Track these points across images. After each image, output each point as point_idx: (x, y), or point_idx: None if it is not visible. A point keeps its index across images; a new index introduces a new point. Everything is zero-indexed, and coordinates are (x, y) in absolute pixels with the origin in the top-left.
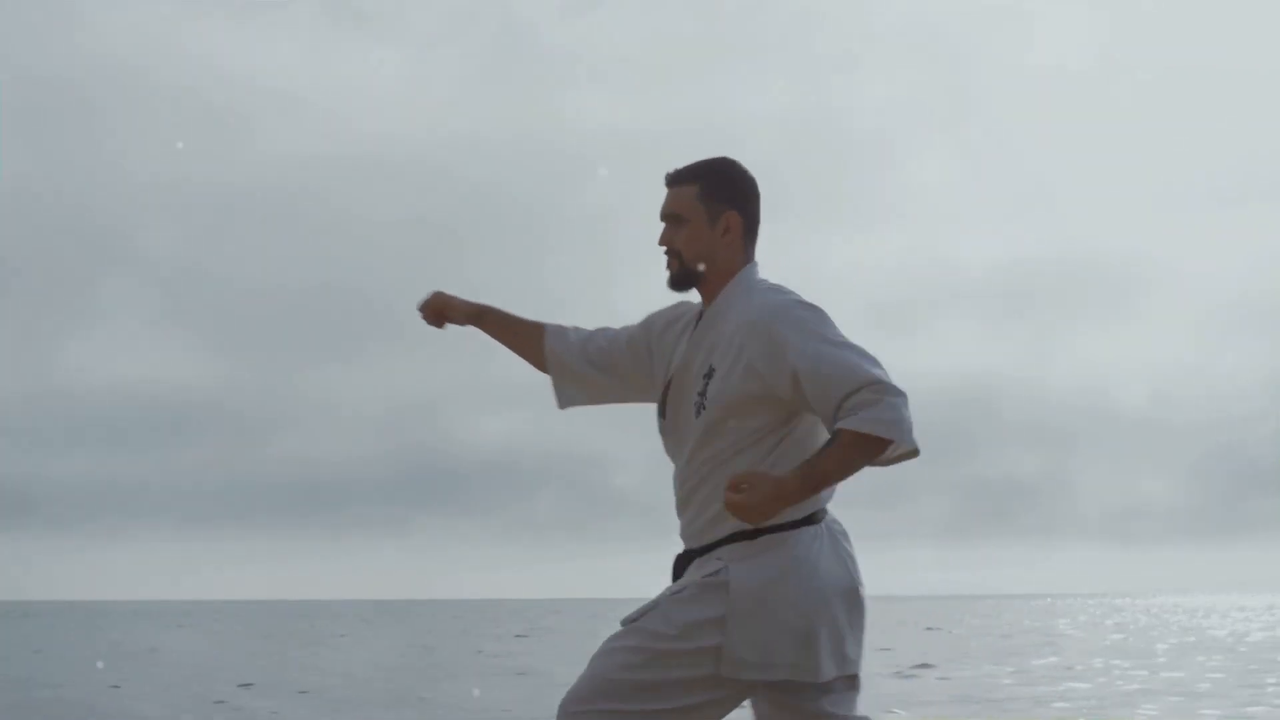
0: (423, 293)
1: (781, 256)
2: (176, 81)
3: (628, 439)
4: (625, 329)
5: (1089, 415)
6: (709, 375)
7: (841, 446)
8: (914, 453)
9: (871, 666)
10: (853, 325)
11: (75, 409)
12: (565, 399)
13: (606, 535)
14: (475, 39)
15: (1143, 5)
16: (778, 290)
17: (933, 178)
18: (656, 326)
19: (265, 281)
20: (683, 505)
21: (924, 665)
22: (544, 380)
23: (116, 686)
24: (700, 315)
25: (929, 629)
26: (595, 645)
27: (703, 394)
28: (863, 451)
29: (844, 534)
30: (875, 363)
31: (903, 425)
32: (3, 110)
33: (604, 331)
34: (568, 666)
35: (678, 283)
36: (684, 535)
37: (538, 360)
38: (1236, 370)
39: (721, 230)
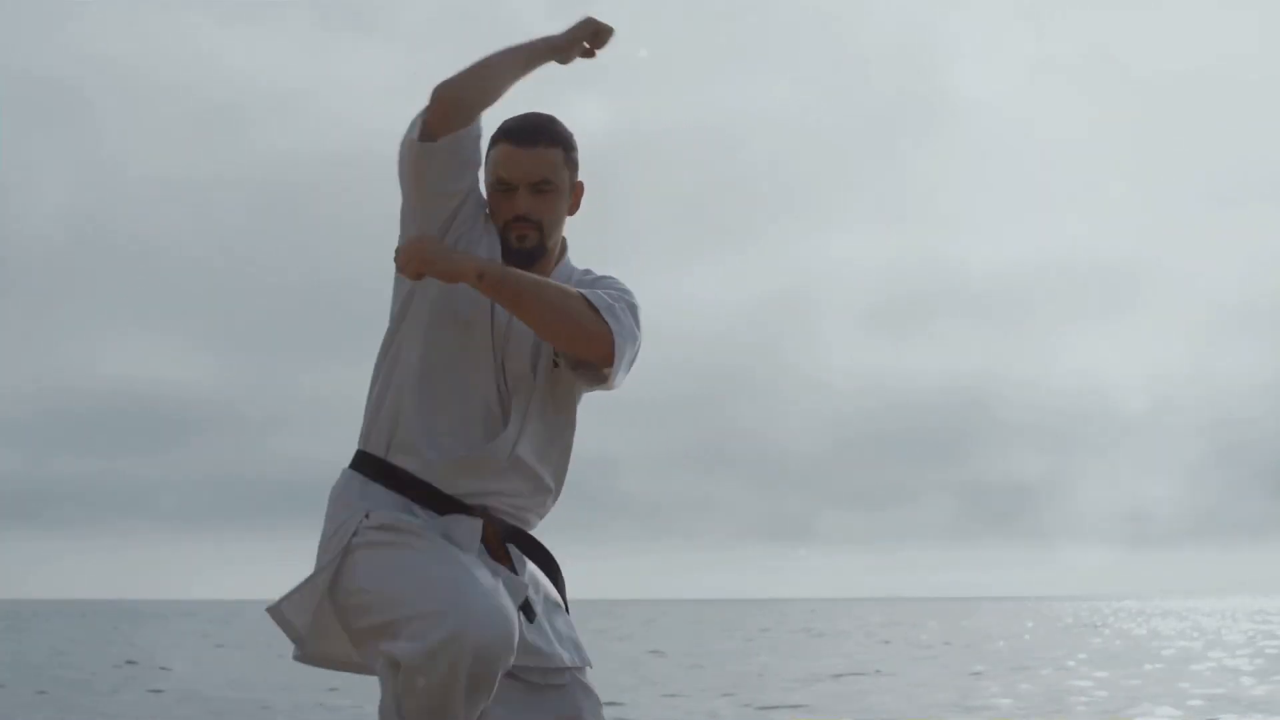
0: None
1: (782, 256)
2: (173, 79)
3: (630, 440)
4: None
5: (1089, 417)
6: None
7: (569, 290)
8: (606, 366)
9: (818, 668)
10: (853, 325)
11: (75, 409)
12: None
13: (607, 536)
14: (467, 37)
15: (1142, 7)
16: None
17: (933, 178)
18: (479, 214)
19: (265, 280)
20: (512, 470)
21: (863, 673)
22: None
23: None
24: None
25: (902, 632)
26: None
27: (557, 365)
28: (575, 314)
29: None
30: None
31: (624, 345)
32: (1, 108)
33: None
34: None
35: (528, 258)
36: (491, 502)
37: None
38: (1237, 372)
39: (572, 204)
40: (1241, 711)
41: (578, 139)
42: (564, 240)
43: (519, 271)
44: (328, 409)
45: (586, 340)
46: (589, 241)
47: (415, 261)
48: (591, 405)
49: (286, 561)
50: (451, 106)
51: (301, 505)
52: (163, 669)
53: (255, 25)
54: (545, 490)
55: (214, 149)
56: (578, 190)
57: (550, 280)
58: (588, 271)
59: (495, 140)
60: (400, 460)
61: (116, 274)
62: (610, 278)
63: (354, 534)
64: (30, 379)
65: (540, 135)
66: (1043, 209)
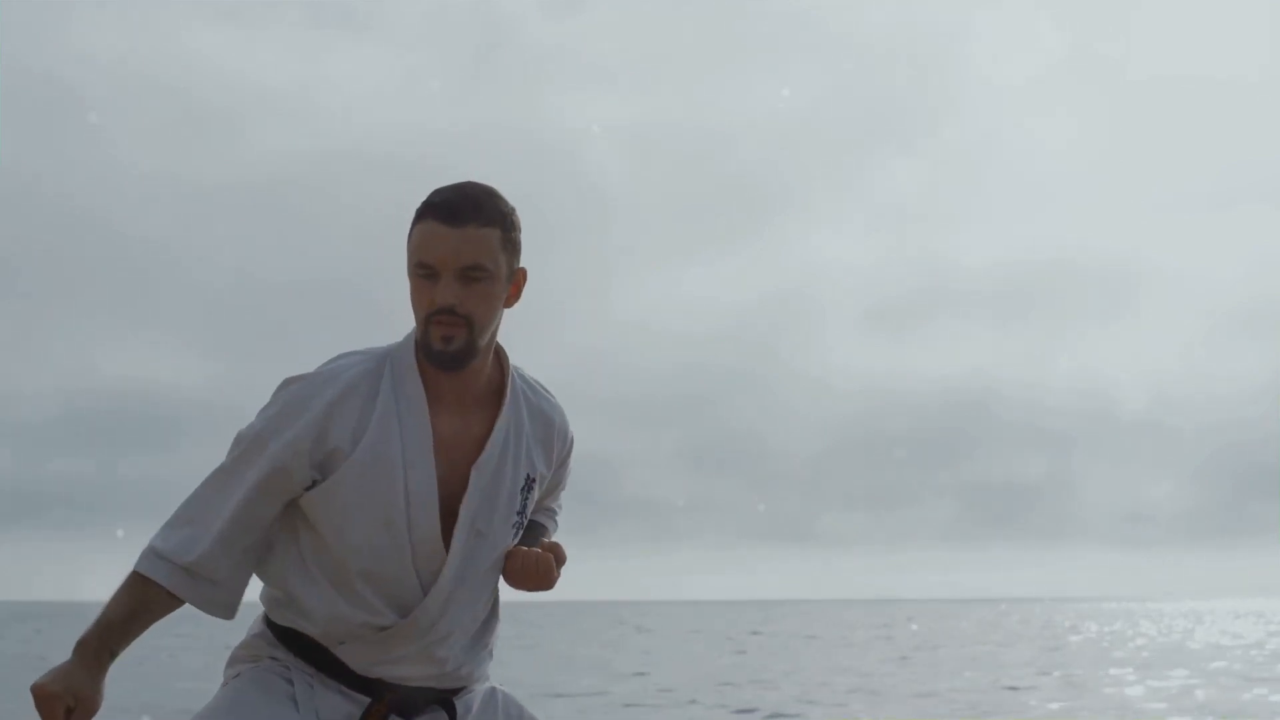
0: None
1: (781, 256)
2: (170, 80)
3: (630, 440)
4: (253, 487)
5: (1090, 418)
6: (530, 485)
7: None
8: None
9: (776, 669)
10: (852, 325)
11: (74, 409)
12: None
13: (607, 538)
14: (459, 38)
15: (1139, 10)
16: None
17: (932, 178)
18: (305, 436)
19: (264, 279)
20: (445, 637)
21: (816, 674)
22: (549, 377)
23: None
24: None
25: (878, 630)
26: (546, 652)
27: (523, 511)
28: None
29: None
30: None
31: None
32: (1, 107)
33: (234, 523)
34: None
35: (453, 362)
36: (425, 675)
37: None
38: (1237, 373)
39: (510, 294)
40: (1181, 714)
41: (575, 141)
42: (503, 350)
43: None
44: None
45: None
46: (589, 243)
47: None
48: (592, 406)
49: None
50: None
51: None
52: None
53: (249, 26)
54: (474, 643)
55: (211, 149)
56: (518, 278)
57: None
58: (540, 383)
59: (419, 216)
60: (310, 633)
61: (115, 274)
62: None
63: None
64: (29, 379)
65: (473, 212)
66: (1042, 209)
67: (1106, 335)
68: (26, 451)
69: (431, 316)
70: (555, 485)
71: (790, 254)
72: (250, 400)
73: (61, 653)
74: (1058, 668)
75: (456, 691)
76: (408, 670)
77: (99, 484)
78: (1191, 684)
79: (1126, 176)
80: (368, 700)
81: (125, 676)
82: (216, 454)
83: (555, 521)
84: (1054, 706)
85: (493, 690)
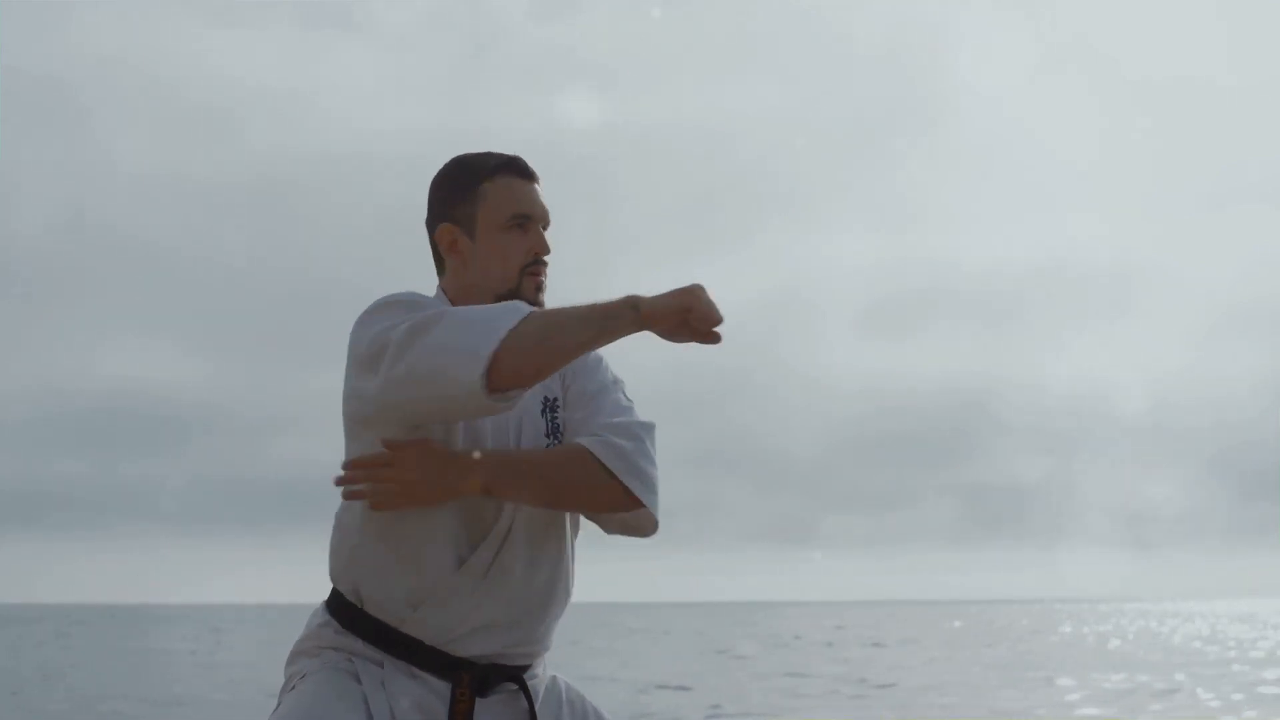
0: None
1: (780, 257)
2: (167, 80)
3: None
4: None
5: (1090, 419)
6: (552, 406)
7: (568, 451)
8: (653, 524)
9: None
10: (851, 327)
11: (74, 411)
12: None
13: (607, 540)
14: (455, 38)
15: (1139, 10)
16: None
17: (930, 179)
18: None
19: (261, 280)
20: (506, 576)
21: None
22: None
23: None
24: None
25: (836, 633)
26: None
27: (553, 433)
28: (582, 473)
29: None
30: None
31: (649, 488)
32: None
33: None
34: None
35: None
36: (495, 638)
37: None
38: (1237, 373)
39: None
40: (1131, 715)
41: (573, 141)
42: None
43: (517, 461)
44: (327, 409)
45: (595, 504)
46: (588, 242)
47: (398, 498)
48: None
49: (287, 563)
50: (523, 375)
51: (301, 506)
52: (46, 676)
53: (247, 27)
54: (539, 607)
55: (208, 150)
56: None
57: (546, 454)
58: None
59: (493, 172)
60: (375, 610)
61: (114, 274)
62: (611, 383)
63: (301, 676)
64: (28, 381)
65: (535, 172)
66: (1040, 210)
67: (1106, 335)
68: (24, 452)
69: (529, 267)
70: (582, 393)
71: (790, 254)
72: (249, 401)
73: (58, 656)
74: (1029, 668)
75: (524, 669)
76: (480, 623)
77: (97, 485)
78: (1150, 684)
79: (1125, 177)
80: (440, 682)
81: (138, 675)
82: (215, 455)
83: (614, 442)
84: (1017, 705)
85: (554, 677)
